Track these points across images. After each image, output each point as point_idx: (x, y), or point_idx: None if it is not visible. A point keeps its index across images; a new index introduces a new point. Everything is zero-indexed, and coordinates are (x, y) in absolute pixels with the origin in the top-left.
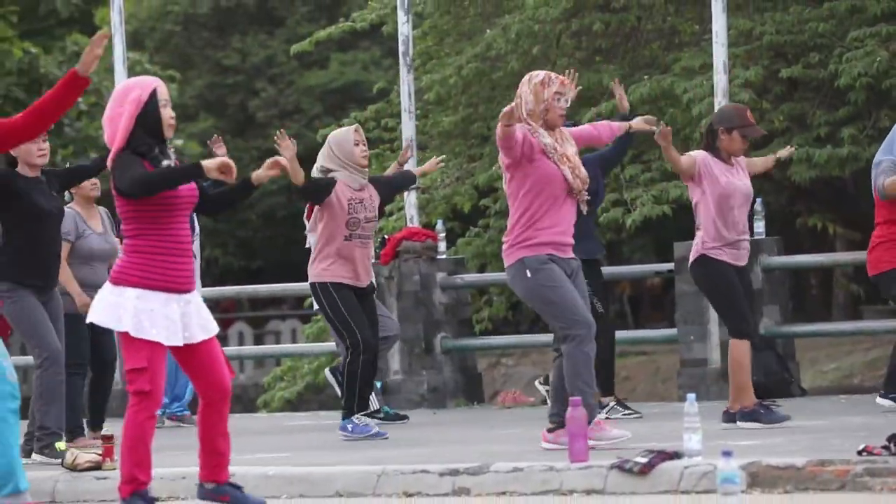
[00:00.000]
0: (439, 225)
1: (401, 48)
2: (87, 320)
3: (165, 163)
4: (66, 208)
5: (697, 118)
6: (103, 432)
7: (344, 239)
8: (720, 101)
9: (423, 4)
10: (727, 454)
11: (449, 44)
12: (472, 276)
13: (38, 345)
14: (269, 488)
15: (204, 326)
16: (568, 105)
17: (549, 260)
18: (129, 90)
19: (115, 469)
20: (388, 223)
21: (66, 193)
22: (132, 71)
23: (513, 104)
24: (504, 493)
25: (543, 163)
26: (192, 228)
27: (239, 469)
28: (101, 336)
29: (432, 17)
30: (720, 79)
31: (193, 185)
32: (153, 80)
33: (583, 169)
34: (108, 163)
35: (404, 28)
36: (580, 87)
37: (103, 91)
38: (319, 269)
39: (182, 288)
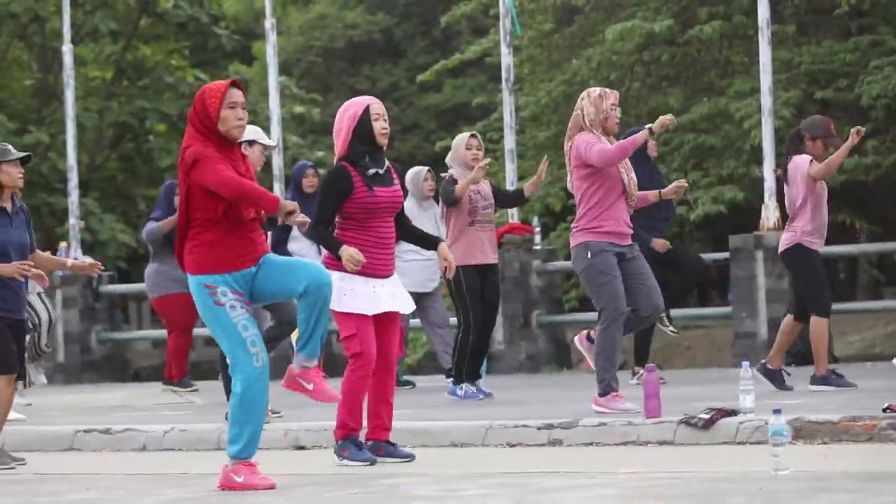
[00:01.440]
0: (535, 221)
1: (503, 75)
2: None
3: (373, 170)
4: None
5: (747, 132)
6: None
7: (469, 225)
8: (766, 118)
9: (521, 39)
10: (777, 411)
11: (541, 71)
12: (561, 263)
13: None
14: (395, 439)
15: (400, 303)
16: (620, 116)
17: (608, 247)
18: (348, 108)
19: (269, 423)
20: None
21: None
22: (282, 94)
23: (646, 132)
24: (591, 444)
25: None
26: None
27: None
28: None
29: (528, 49)
30: (766, 100)
31: (397, 189)
32: (369, 99)
33: (633, 174)
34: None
35: (506, 59)
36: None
37: (258, 111)
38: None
39: (378, 274)
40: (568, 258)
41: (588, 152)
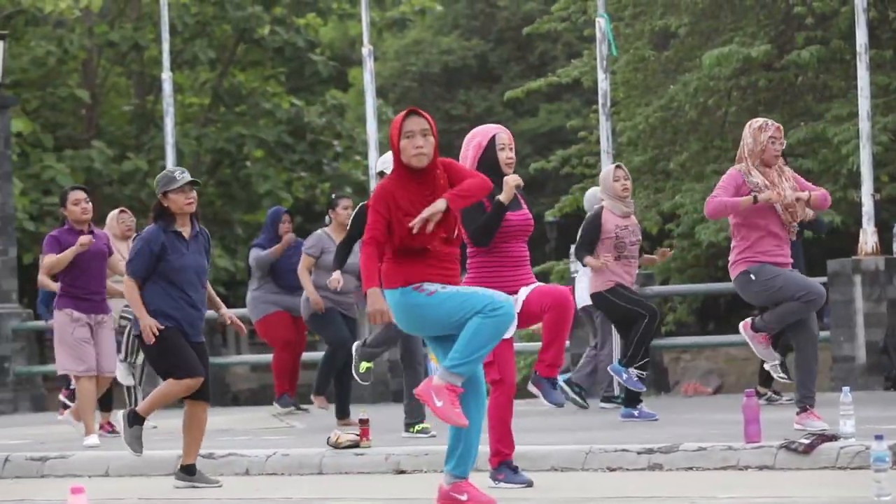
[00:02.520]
0: None
1: (600, 101)
2: None
3: (500, 198)
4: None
5: (845, 157)
6: (360, 417)
7: (614, 259)
8: (864, 143)
9: (616, 62)
10: (879, 437)
11: (636, 95)
12: (659, 288)
13: None
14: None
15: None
16: (783, 147)
17: (766, 263)
18: (475, 136)
19: (370, 447)
20: None
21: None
22: (379, 119)
23: (750, 199)
24: (691, 469)
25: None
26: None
27: None
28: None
29: (624, 72)
30: (864, 125)
31: (526, 213)
32: (496, 128)
33: (800, 204)
34: None
35: (603, 84)
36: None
37: (355, 136)
38: (599, 281)
39: (513, 290)
40: (664, 282)
41: (710, 197)
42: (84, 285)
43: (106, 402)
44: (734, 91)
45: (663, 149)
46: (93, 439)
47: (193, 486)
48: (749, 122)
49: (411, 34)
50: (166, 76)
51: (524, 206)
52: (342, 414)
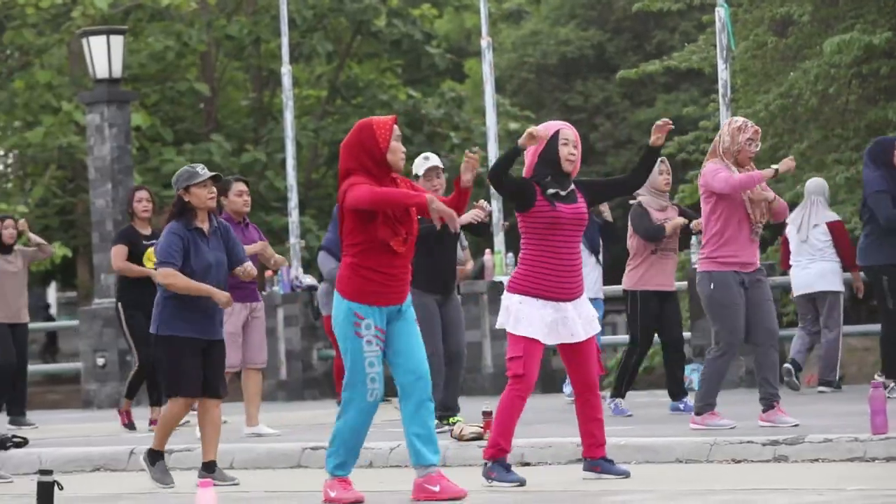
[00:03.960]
0: None
1: (720, 90)
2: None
3: (552, 190)
4: None
5: None
6: (484, 409)
7: (651, 253)
8: None
9: (735, 51)
10: None
11: (755, 83)
12: (780, 279)
13: None
14: (621, 455)
15: (584, 328)
16: (758, 150)
17: (732, 277)
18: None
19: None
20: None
21: None
22: (497, 111)
23: (772, 171)
24: (816, 461)
25: (732, 196)
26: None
27: None
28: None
29: (742, 59)
30: None
31: (581, 206)
32: (561, 124)
33: (763, 205)
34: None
35: (723, 73)
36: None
37: (472, 128)
38: (634, 279)
39: (559, 297)
40: (785, 273)
41: (713, 179)
42: None
43: (156, 397)
44: (854, 79)
45: (783, 137)
46: (262, 428)
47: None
48: (728, 120)
49: (528, 25)
50: (286, 70)
51: (581, 200)
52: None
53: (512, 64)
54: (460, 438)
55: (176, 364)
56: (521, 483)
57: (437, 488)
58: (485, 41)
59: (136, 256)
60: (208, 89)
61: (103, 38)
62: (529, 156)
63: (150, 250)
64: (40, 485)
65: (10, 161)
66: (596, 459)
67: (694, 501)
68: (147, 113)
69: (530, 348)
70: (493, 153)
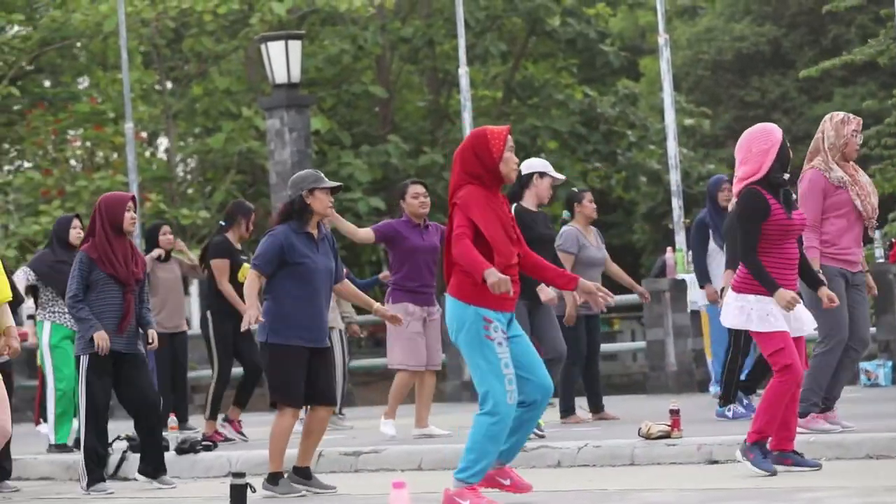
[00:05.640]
0: None
1: None
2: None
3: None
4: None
5: None
6: (671, 407)
7: None
8: None
9: None
10: None
11: None
12: None
13: None
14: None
15: (808, 322)
16: (861, 141)
17: (839, 274)
18: (770, 133)
19: (681, 437)
20: (892, 227)
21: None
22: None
23: None
24: None
25: (839, 194)
26: None
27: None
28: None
29: None
30: None
31: (802, 214)
32: (778, 128)
33: (874, 198)
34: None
35: None
36: None
37: (648, 125)
38: None
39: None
40: None
41: (802, 198)
42: (418, 278)
43: (244, 398)
44: None
45: None
46: (432, 430)
47: (308, 490)
48: (829, 115)
49: (703, 21)
50: (462, 71)
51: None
52: (595, 408)
53: (687, 61)
54: (647, 436)
55: (284, 373)
56: (773, 473)
57: (507, 481)
58: (662, 38)
59: (232, 270)
60: (384, 92)
61: (282, 43)
62: (767, 156)
63: (246, 266)
64: (233, 487)
65: (191, 166)
66: (787, 452)
67: (893, 497)
68: (325, 116)
69: (786, 339)
70: (673, 151)
